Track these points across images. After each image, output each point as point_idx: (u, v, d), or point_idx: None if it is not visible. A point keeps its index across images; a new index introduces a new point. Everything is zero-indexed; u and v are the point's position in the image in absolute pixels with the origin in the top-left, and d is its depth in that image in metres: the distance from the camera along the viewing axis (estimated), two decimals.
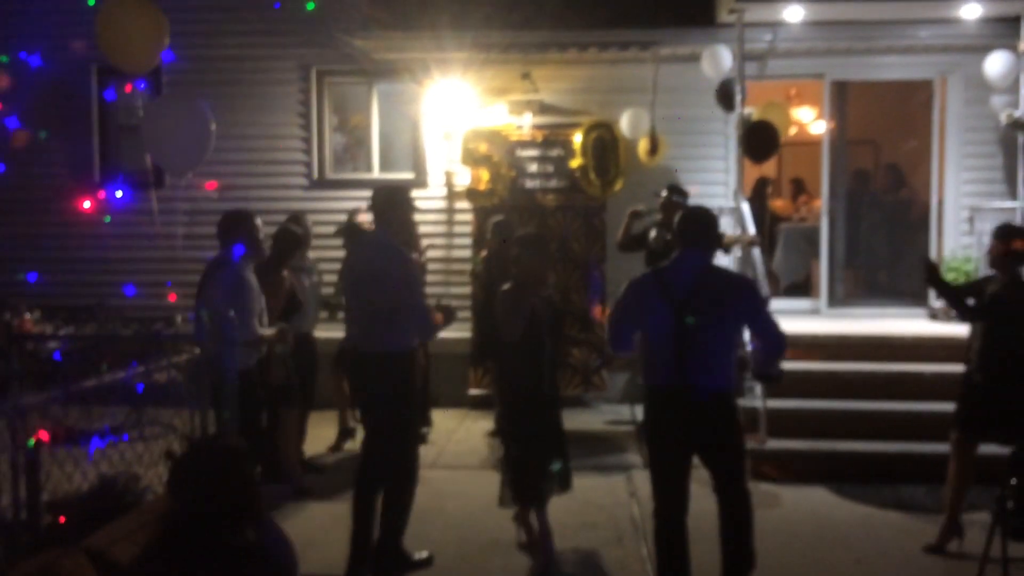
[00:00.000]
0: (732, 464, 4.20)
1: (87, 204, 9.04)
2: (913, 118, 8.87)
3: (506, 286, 5.04)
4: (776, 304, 8.69)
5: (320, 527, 5.67)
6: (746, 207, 7.59)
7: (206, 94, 8.77)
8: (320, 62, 8.96)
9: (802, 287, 9.30)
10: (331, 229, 9.15)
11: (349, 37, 8.49)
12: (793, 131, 11.11)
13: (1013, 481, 4.25)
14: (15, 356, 4.52)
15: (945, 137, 8.46)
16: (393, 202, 4.86)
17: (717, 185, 8.62)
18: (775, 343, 4.24)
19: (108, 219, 8.55)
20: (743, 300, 4.21)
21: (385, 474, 4.72)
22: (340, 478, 6.66)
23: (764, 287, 6.91)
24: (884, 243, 9.07)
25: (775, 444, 6.61)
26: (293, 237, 6.22)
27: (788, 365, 6.87)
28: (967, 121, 8.41)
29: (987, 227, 8.19)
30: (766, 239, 9.64)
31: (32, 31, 8.94)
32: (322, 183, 9.10)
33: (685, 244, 4.25)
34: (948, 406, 6.65)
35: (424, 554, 5.04)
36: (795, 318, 8.28)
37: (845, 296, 8.78)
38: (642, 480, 6.36)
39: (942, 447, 6.36)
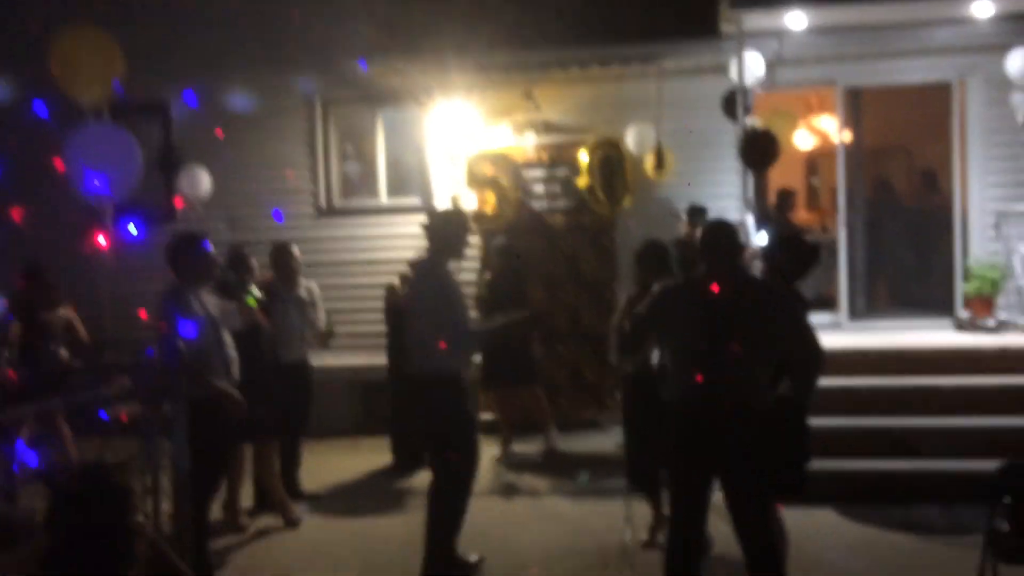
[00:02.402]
0: (753, 489, 3.92)
1: (102, 240, 9.17)
2: (932, 122, 8.50)
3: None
4: None
5: (302, 556, 5.58)
6: (750, 219, 7.36)
7: (213, 126, 8.98)
8: (324, 90, 8.99)
9: (828, 301, 8.95)
10: (340, 258, 9.20)
11: (351, 64, 8.50)
12: (815, 142, 10.87)
13: (1007, 500, 3.93)
14: None
15: (967, 140, 8.09)
16: (450, 225, 5.00)
17: (729, 199, 8.35)
18: (812, 359, 4.00)
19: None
20: (781, 313, 3.98)
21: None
22: (338, 504, 6.59)
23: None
24: (908, 252, 8.70)
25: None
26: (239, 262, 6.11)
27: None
28: (990, 123, 8.03)
29: (1014, 231, 7.84)
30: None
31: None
32: (330, 211, 9.11)
33: (715, 256, 4.03)
34: (966, 421, 6.36)
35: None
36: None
37: (867, 308, 8.42)
38: (642, 506, 6.13)
39: (958, 464, 6.06)
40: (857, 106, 8.50)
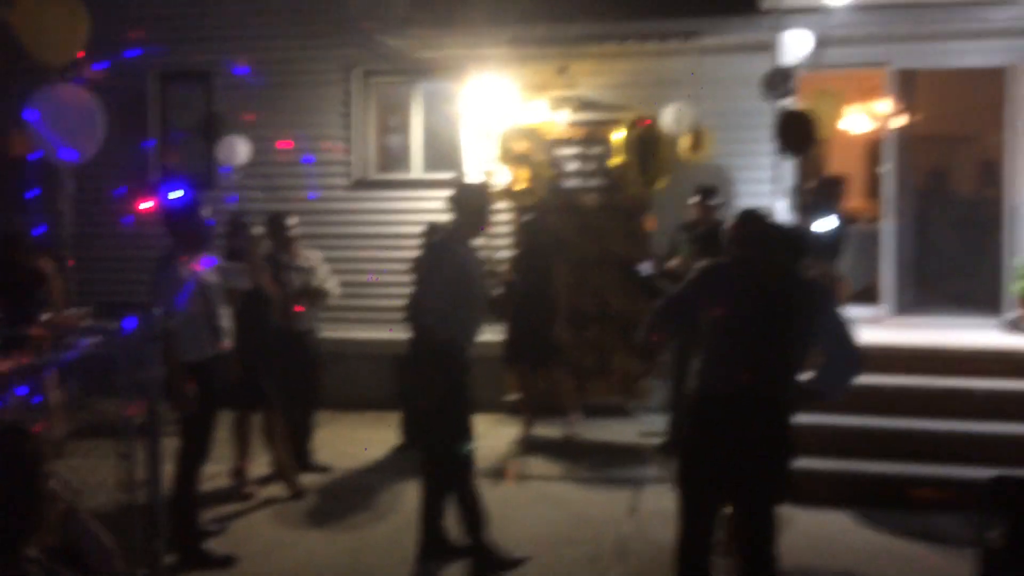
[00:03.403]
0: (772, 493, 3.68)
1: (146, 205, 9.34)
2: (989, 109, 8.02)
3: None
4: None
5: (298, 526, 5.60)
6: (781, 205, 7.07)
7: (254, 96, 9.04)
8: (362, 63, 8.94)
9: (872, 293, 8.59)
10: (374, 231, 9.18)
11: (386, 36, 8.44)
12: (873, 126, 10.39)
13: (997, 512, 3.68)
14: None
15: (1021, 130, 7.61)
16: (473, 198, 4.94)
17: (764, 183, 8.08)
18: (848, 359, 3.72)
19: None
20: (817, 307, 3.71)
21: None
22: (348, 478, 6.62)
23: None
24: (958, 247, 8.26)
25: (797, 463, 6.06)
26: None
27: None
28: None
29: None
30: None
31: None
32: (364, 184, 9.09)
33: (753, 245, 3.81)
34: (997, 427, 6.03)
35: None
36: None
37: (913, 303, 8.03)
38: (650, 497, 6.00)
39: (983, 472, 5.74)
40: (910, 90, 8.07)
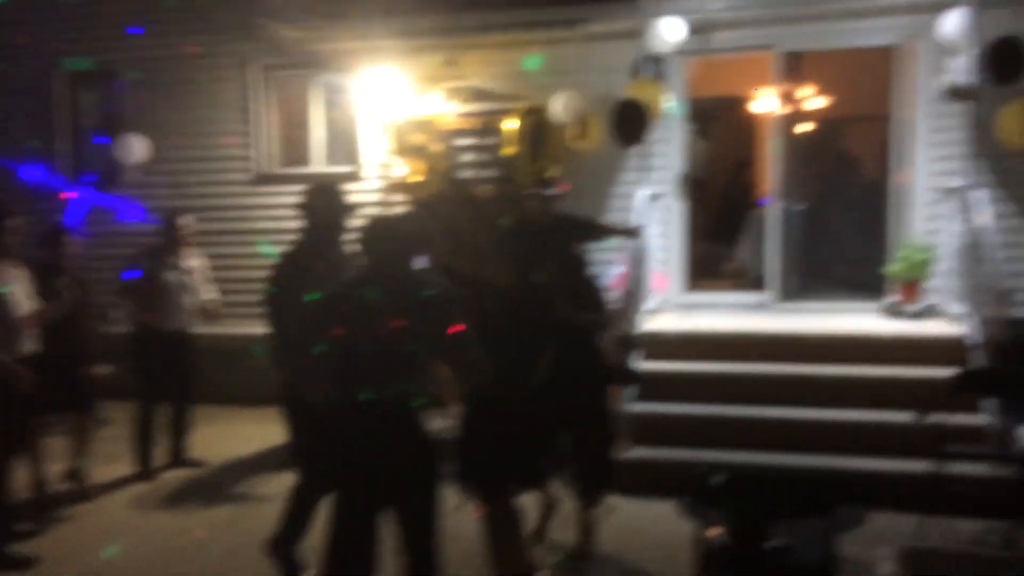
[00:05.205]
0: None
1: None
2: (877, 91, 7.88)
3: None
4: (723, 298, 8.06)
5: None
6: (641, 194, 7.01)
7: (156, 94, 9.12)
8: (259, 56, 8.96)
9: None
10: (275, 225, 9.20)
11: (278, 26, 8.43)
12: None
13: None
14: None
15: (914, 110, 7.46)
16: (315, 199, 4.63)
17: (661, 170, 8.00)
18: None
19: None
20: None
21: None
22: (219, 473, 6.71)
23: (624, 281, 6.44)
24: (846, 230, 8.14)
25: (639, 452, 6.06)
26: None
27: (667, 366, 6.44)
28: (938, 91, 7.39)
29: (948, 210, 7.23)
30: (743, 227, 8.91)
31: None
32: (265, 179, 9.13)
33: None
34: (837, 413, 5.97)
35: None
36: (735, 313, 7.63)
37: (797, 289, 7.93)
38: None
39: (818, 460, 5.72)
40: (797, 72, 7.94)
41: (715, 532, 3.54)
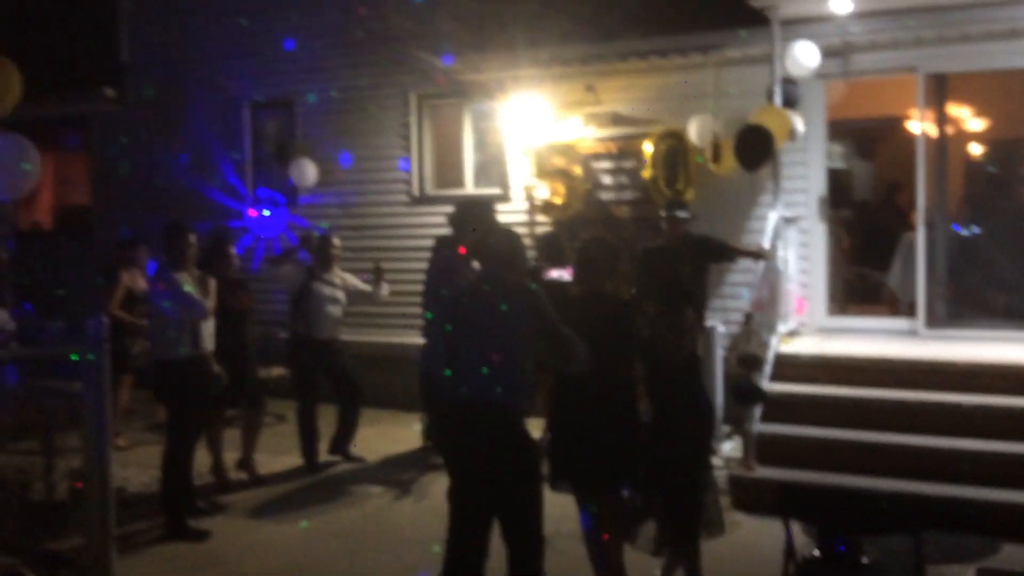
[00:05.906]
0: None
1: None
2: None
3: None
4: (867, 323, 7.94)
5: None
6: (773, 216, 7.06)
7: (329, 122, 10.01)
8: (416, 86, 9.64)
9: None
10: (430, 244, 9.80)
11: (433, 59, 9.09)
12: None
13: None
14: None
15: None
16: (464, 217, 5.37)
17: (796, 193, 8.02)
18: None
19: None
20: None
21: None
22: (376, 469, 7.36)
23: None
24: (997, 256, 7.82)
25: (763, 472, 6.15)
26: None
27: (798, 388, 6.47)
28: None
29: None
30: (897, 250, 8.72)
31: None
32: (422, 199, 9.78)
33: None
34: (977, 444, 5.83)
35: None
36: (878, 339, 7.48)
37: (948, 316, 7.70)
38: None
39: (953, 490, 5.63)
40: (943, 94, 7.75)
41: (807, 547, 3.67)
